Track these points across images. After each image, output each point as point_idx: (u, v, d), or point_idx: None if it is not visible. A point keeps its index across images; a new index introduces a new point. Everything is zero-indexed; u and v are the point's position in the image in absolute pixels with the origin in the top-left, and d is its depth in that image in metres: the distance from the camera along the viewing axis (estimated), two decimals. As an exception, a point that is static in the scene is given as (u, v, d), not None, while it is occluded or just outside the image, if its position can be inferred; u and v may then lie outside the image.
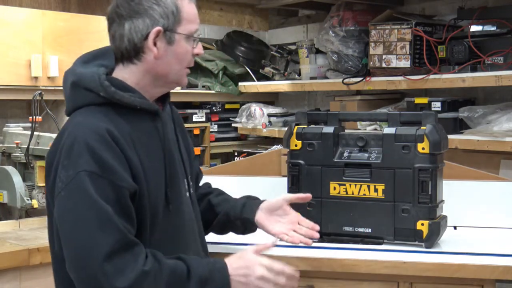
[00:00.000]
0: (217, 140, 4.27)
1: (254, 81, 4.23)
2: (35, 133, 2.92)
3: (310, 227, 1.91)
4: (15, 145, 3.01)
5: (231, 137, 4.38)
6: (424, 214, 1.99)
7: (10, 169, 2.93)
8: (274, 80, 4.18)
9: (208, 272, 1.61)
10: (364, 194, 2.06)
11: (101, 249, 1.50)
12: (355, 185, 2.07)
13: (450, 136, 2.33)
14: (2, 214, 3.00)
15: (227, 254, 1.79)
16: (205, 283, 1.59)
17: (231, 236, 2.01)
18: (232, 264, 1.66)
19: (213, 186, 2.09)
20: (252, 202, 1.96)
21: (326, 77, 3.80)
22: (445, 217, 2.08)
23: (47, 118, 3.08)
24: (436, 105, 3.21)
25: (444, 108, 3.20)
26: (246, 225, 1.94)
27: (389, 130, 2.05)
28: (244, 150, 4.04)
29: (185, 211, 1.77)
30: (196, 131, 4.09)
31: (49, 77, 3.11)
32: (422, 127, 2.01)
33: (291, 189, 2.13)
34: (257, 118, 4.06)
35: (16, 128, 3.10)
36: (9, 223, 2.89)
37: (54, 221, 1.61)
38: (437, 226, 2.00)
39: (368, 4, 3.68)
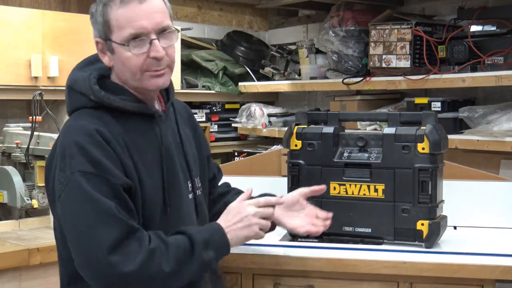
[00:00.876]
0: (217, 140, 4.27)
1: (254, 81, 4.23)
2: (35, 133, 2.92)
3: (324, 218, 1.93)
4: (15, 145, 3.01)
5: (231, 137, 4.37)
6: (424, 214, 1.99)
7: (10, 169, 2.93)
8: (274, 80, 4.18)
9: (207, 234, 1.65)
10: (364, 194, 2.06)
11: (104, 243, 1.53)
12: (355, 185, 2.07)
13: (450, 136, 2.33)
14: (2, 214, 3.00)
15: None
16: (207, 245, 1.63)
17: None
18: (223, 221, 1.71)
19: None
20: None
21: (326, 77, 3.80)
22: (445, 217, 2.08)
23: (47, 118, 3.08)
24: (436, 105, 3.21)
25: (444, 108, 3.20)
26: None
27: (389, 130, 2.05)
28: (244, 150, 4.04)
29: (185, 213, 1.77)
30: (196, 131, 4.09)
31: (49, 77, 3.11)
32: (422, 127, 2.01)
33: (291, 189, 2.13)
34: (257, 118, 4.05)
35: (16, 128, 3.10)
36: (9, 223, 2.89)
37: (59, 222, 1.65)
38: (437, 226, 2.00)
39: (368, 4, 3.68)
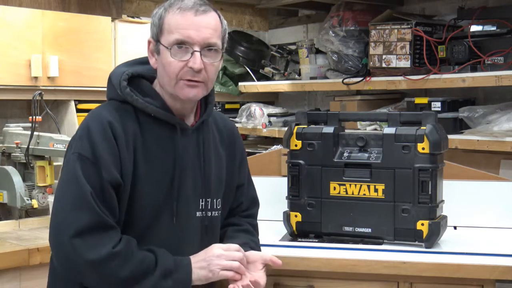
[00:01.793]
0: (217, 140, 4.26)
1: (254, 81, 4.23)
2: (35, 133, 2.92)
3: (252, 282, 1.78)
4: (15, 145, 3.01)
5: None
6: (424, 214, 1.99)
7: (10, 169, 2.93)
8: (274, 80, 4.18)
9: (173, 265, 1.67)
10: (364, 194, 2.06)
11: (73, 225, 1.59)
12: (355, 185, 2.07)
13: (450, 136, 2.33)
14: (2, 214, 3.00)
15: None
16: (169, 274, 1.66)
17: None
18: (194, 257, 1.73)
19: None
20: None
21: (326, 77, 3.80)
22: (445, 217, 2.08)
23: (47, 118, 3.08)
24: (436, 105, 3.21)
25: (444, 108, 3.20)
26: None
27: (389, 130, 2.05)
28: (244, 150, 4.04)
29: (184, 228, 1.76)
30: (196, 131, 4.08)
31: (49, 77, 3.11)
32: (422, 127, 2.01)
33: (291, 189, 2.13)
34: (257, 118, 4.05)
35: (16, 128, 3.10)
36: (9, 223, 2.89)
37: None
38: (437, 226, 2.00)
39: (368, 4, 3.68)
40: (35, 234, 2.76)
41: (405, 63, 3.25)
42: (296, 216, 2.13)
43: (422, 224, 1.99)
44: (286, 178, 2.16)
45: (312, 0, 3.88)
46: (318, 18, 4.19)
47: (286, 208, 2.16)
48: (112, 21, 3.45)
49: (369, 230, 2.06)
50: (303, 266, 1.94)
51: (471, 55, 3.07)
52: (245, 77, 4.30)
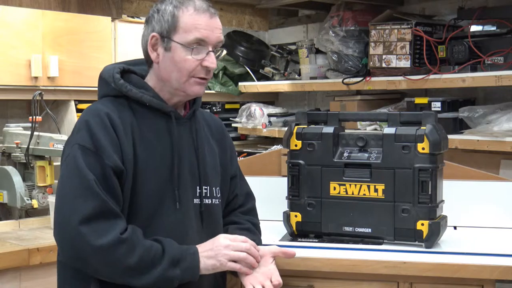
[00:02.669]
0: (217, 140, 4.26)
1: (254, 81, 4.23)
2: (35, 133, 2.92)
3: (276, 285, 1.79)
4: (15, 145, 3.01)
5: (231, 137, 4.37)
6: (424, 214, 1.99)
7: (10, 169, 2.93)
8: (274, 80, 4.18)
9: (180, 253, 1.68)
10: (364, 194, 2.06)
11: (79, 212, 1.59)
12: (355, 185, 2.07)
13: (450, 136, 2.33)
14: (2, 214, 3.01)
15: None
16: (176, 262, 1.67)
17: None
18: (201, 246, 1.74)
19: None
20: None
21: (326, 77, 3.80)
22: (445, 217, 2.08)
23: (47, 118, 3.08)
24: (436, 105, 3.21)
25: (444, 108, 3.20)
26: None
27: (389, 130, 2.05)
28: (244, 150, 4.04)
29: (182, 214, 1.77)
30: (196, 131, 4.08)
31: (49, 77, 3.11)
32: (422, 127, 2.01)
33: (291, 189, 2.13)
34: (257, 118, 4.05)
35: (16, 128, 3.10)
36: (9, 223, 2.89)
37: None
38: (437, 226, 2.00)
39: (368, 4, 3.68)
40: (35, 234, 2.76)
41: (405, 63, 3.25)
42: (296, 216, 2.13)
43: (422, 224, 1.99)
44: (286, 178, 2.16)
45: (312, 0, 3.88)
46: (318, 18, 4.19)
47: (286, 208, 2.16)
48: (112, 21, 3.45)
49: (369, 230, 2.06)
50: (303, 266, 1.94)
51: (471, 55, 3.07)
52: (245, 77, 4.30)
